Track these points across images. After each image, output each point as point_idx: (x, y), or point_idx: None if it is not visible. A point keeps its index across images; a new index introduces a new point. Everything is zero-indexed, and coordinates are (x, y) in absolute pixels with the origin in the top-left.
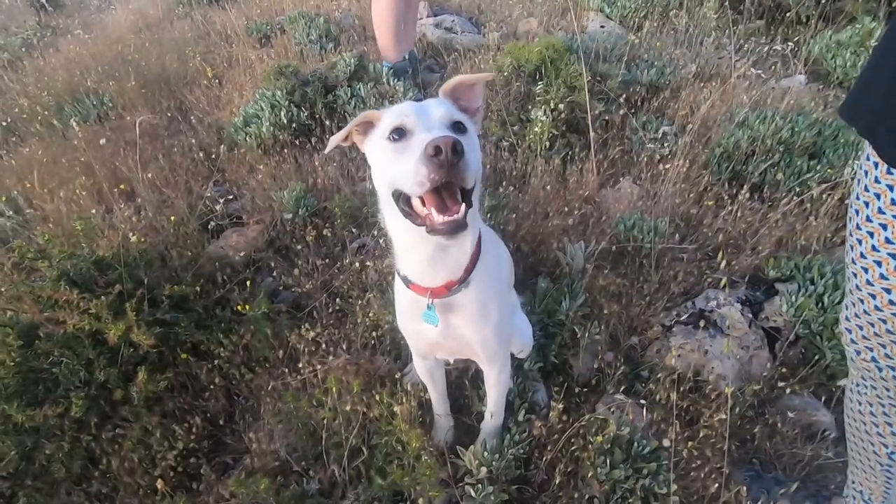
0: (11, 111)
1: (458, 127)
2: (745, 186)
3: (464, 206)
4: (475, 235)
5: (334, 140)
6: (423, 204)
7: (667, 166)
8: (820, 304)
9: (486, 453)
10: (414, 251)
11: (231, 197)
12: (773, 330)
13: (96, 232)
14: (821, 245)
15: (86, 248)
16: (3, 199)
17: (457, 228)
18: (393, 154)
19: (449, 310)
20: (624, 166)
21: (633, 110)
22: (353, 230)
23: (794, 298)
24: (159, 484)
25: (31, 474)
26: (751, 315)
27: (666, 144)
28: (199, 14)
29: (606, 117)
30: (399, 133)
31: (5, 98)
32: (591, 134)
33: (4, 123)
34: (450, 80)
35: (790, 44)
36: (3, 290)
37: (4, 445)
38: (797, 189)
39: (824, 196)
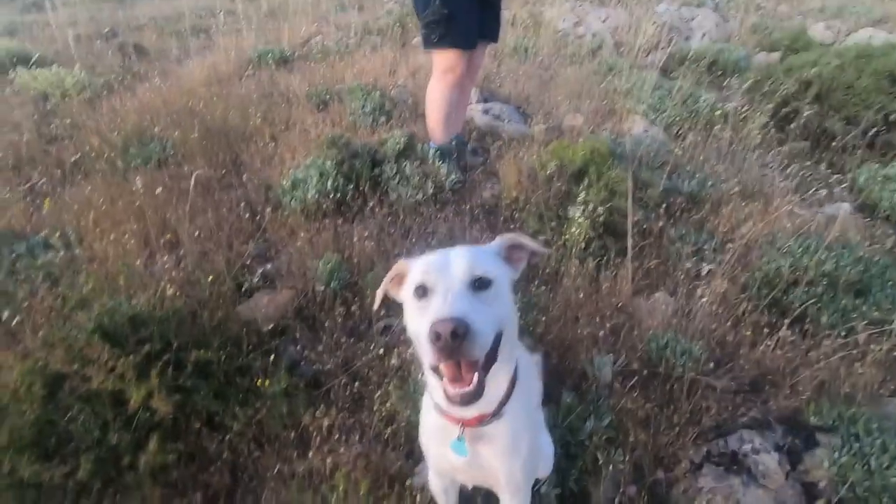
0: (83, 147)
1: (479, 283)
2: (785, 318)
3: (476, 377)
4: (510, 370)
5: (378, 299)
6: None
7: (704, 287)
8: (866, 467)
9: None
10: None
11: (268, 256)
12: (812, 486)
13: (137, 281)
14: (867, 395)
15: (123, 300)
16: (57, 234)
17: (468, 400)
18: (417, 312)
19: (478, 439)
20: (659, 277)
21: (672, 221)
22: (382, 310)
23: (836, 455)
24: None
25: None
26: (788, 466)
27: (704, 262)
28: (265, 75)
29: (645, 225)
30: (422, 291)
31: (79, 134)
32: (630, 240)
33: (73, 159)
34: (508, 236)
35: (837, 175)
36: (39, 335)
37: (2, 500)
38: (842, 330)
39: (871, 342)
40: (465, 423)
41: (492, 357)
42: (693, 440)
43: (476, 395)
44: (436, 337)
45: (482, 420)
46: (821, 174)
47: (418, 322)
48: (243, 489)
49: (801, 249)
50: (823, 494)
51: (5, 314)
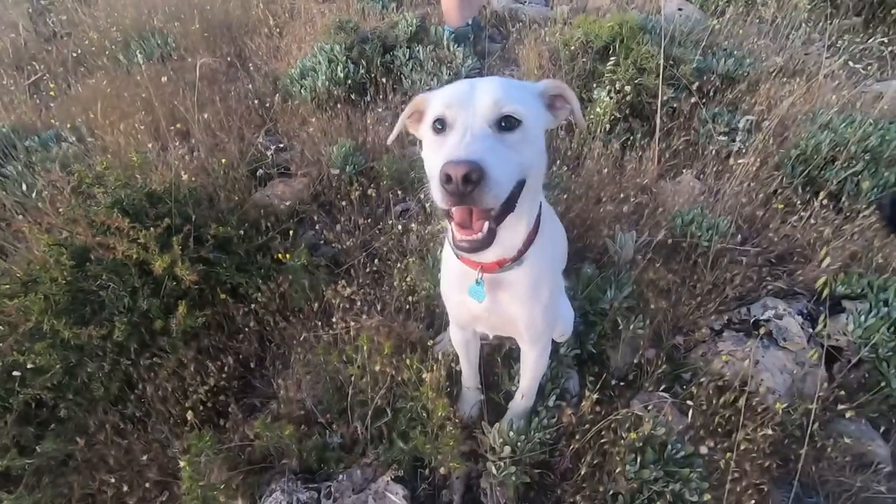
0: (82, 43)
1: (506, 122)
2: (821, 193)
3: (486, 226)
4: (531, 217)
5: (393, 134)
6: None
7: (739, 161)
8: (893, 329)
9: (511, 433)
10: None
11: (281, 146)
12: (833, 349)
13: (151, 167)
14: None
15: (140, 181)
16: (69, 125)
17: (476, 248)
18: (435, 146)
19: (498, 286)
20: (687, 159)
21: (704, 100)
22: (399, 193)
23: (863, 319)
24: (189, 415)
25: (72, 389)
26: (811, 330)
27: (737, 139)
28: None
29: (674, 104)
30: (441, 124)
31: (77, 31)
32: (658, 120)
33: (75, 55)
34: (557, 83)
35: (891, 47)
36: (61, 211)
37: (51, 359)
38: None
39: None
40: (483, 268)
41: (508, 207)
42: (715, 310)
43: (484, 243)
44: (446, 179)
45: (501, 265)
46: (873, 50)
47: (433, 160)
48: (272, 355)
49: (843, 124)
50: (842, 356)
51: (26, 197)
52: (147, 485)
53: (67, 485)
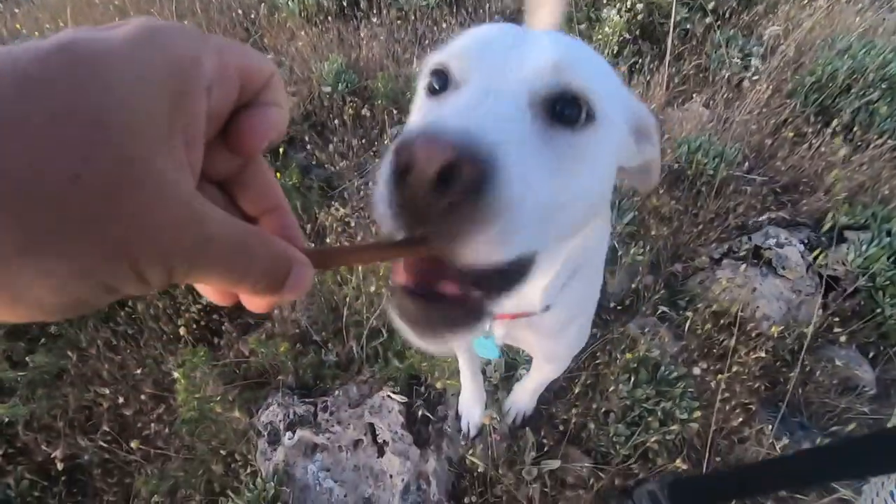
0: None
1: (564, 108)
2: (833, 122)
3: (471, 292)
4: (572, 268)
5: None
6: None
7: (755, 81)
8: (893, 259)
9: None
10: None
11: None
12: (831, 279)
13: None
14: None
15: None
16: (36, 34)
17: (432, 324)
18: (420, 114)
19: (515, 325)
20: (696, 85)
21: (718, 22)
22: (395, 113)
23: (864, 248)
24: (182, 332)
25: None
26: (811, 259)
27: (751, 65)
28: None
29: (687, 26)
30: (441, 81)
31: None
32: (669, 43)
33: None
34: (643, 106)
35: None
36: None
37: None
38: (894, 133)
39: None
40: (496, 316)
41: (510, 278)
42: (717, 239)
43: (457, 322)
44: (398, 167)
45: (520, 316)
46: None
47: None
48: None
49: (863, 51)
50: (839, 285)
51: None
52: (143, 397)
53: (62, 396)
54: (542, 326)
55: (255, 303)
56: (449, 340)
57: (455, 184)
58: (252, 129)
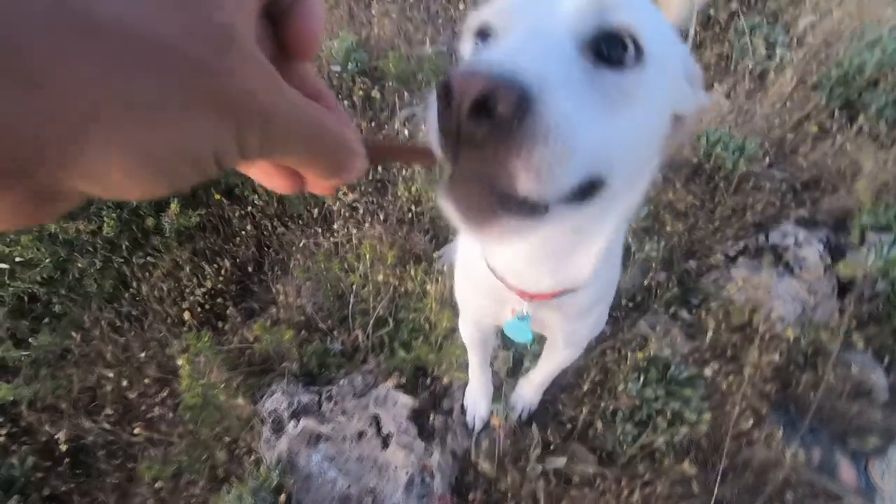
0: None
1: (611, 48)
2: (860, 117)
3: (510, 220)
4: (616, 244)
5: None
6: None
7: (780, 76)
8: None
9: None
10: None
11: None
12: (848, 281)
13: None
14: None
15: None
16: None
17: (491, 204)
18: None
19: (542, 305)
20: (718, 74)
21: (744, 8)
22: (406, 95)
23: (885, 250)
24: (186, 315)
25: (65, 285)
26: (829, 260)
27: (776, 55)
28: None
29: (711, 11)
30: (483, 36)
31: None
32: (692, 29)
33: None
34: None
35: None
36: None
37: (39, 252)
38: None
39: None
40: (533, 298)
41: (585, 193)
42: (733, 235)
43: (517, 211)
44: (444, 95)
45: (559, 294)
46: None
47: None
48: (270, 260)
49: (894, 44)
50: (857, 288)
51: None
52: (146, 381)
53: (66, 377)
54: (573, 306)
55: (320, 185)
56: (503, 230)
57: (493, 111)
58: (307, 31)
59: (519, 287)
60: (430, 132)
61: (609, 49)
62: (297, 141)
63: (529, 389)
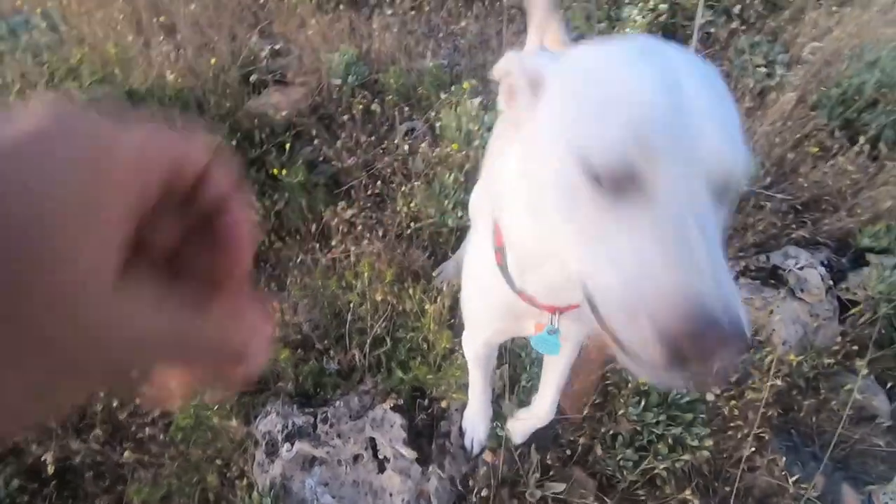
0: None
1: (722, 192)
2: (861, 138)
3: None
4: None
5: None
6: None
7: (781, 95)
8: None
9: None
10: (547, 266)
11: (277, 49)
12: (849, 302)
13: (132, 63)
14: None
15: (119, 77)
16: (39, 11)
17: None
18: (592, 208)
19: (565, 316)
20: None
21: (744, 27)
22: (405, 110)
23: (887, 273)
24: None
25: None
26: (831, 282)
27: (776, 74)
28: None
29: (711, 29)
30: (615, 177)
31: None
32: (694, 46)
33: None
34: None
35: None
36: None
37: None
38: None
39: None
40: (563, 310)
41: None
42: (733, 256)
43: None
44: (684, 336)
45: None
46: None
47: (602, 250)
48: (266, 276)
49: (894, 64)
50: (859, 312)
51: None
52: (137, 400)
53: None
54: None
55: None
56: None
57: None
58: (236, 246)
59: (550, 304)
60: (645, 349)
61: (720, 195)
62: (162, 362)
63: (542, 410)
